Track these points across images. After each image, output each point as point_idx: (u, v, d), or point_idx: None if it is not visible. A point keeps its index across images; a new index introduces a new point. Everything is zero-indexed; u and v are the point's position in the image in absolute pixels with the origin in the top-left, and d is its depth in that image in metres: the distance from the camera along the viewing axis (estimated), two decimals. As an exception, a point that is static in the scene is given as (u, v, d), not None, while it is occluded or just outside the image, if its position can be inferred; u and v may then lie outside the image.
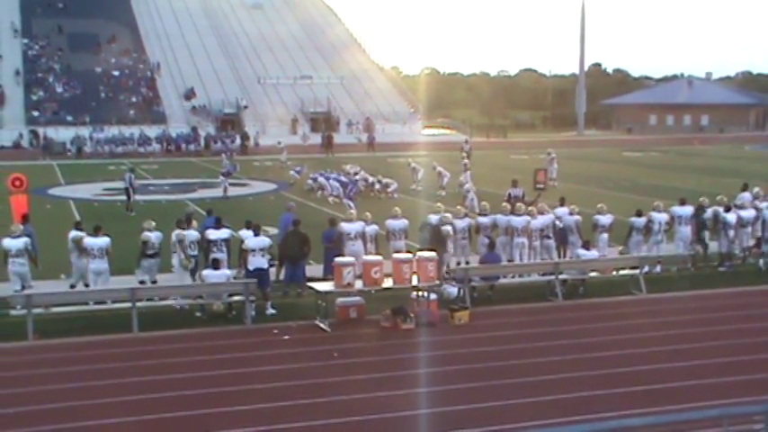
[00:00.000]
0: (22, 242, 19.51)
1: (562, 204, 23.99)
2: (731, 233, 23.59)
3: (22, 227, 20.34)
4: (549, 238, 22.40)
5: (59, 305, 19.03)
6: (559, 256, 22.59)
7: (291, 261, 20.81)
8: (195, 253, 20.14)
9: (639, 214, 23.08)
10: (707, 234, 23.69)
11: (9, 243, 19.47)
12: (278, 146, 60.25)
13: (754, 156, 68.00)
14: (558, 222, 22.79)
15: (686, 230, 23.40)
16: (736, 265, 23.77)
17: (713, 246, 24.00)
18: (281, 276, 21.14)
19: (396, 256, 19.14)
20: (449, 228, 21.81)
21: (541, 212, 22.68)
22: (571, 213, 23.00)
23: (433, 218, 22.38)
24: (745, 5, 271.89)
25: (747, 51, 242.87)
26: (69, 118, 77.99)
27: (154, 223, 20.57)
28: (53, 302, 18.89)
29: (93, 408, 13.58)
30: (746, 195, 25.94)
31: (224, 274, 18.98)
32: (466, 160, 44.43)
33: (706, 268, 23.53)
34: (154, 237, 20.27)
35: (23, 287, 19.23)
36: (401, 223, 22.20)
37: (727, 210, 23.89)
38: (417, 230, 22.35)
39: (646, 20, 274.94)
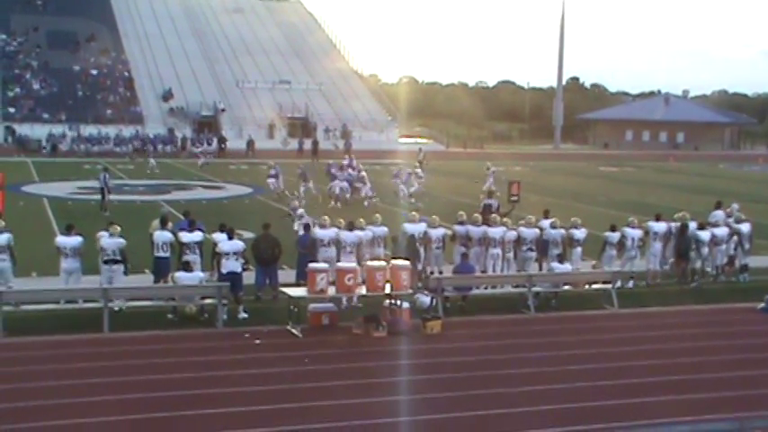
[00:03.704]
0: (4, 238, 19.31)
1: (546, 216, 23.93)
2: (704, 251, 23.71)
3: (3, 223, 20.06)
4: (531, 250, 22.39)
5: (30, 303, 18.81)
6: (540, 269, 22.57)
7: (263, 264, 20.76)
8: (168, 255, 20.01)
9: (613, 229, 23.10)
10: (691, 252, 23.70)
11: None
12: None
13: (728, 174, 68.46)
14: (544, 235, 22.79)
15: (659, 246, 23.48)
16: (708, 282, 23.85)
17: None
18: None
19: (369, 263, 19.09)
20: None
21: (528, 225, 22.66)
22: (553, 226, 22.90)
23: (409, 227, 22.34)
24: (722, 26, 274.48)
25: (723, 71, 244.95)
26: (46, 115, 77.51)
27: (119, 228, 19.71)
28: (23, 300, 18.67)
29: (60, 407, 13.46)
30: (720, 213, 26.05)
31: (197, 276, 18.88)
32: (418, 169, 43.87)
33: (684, 284, 23.50)
34: (108, 242, 19.31)
35: None
36: (381, 230, 22.17)
37: (701, 227, 24.01)
38: (391, 239, 22.32)
39: (624, 36, 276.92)
